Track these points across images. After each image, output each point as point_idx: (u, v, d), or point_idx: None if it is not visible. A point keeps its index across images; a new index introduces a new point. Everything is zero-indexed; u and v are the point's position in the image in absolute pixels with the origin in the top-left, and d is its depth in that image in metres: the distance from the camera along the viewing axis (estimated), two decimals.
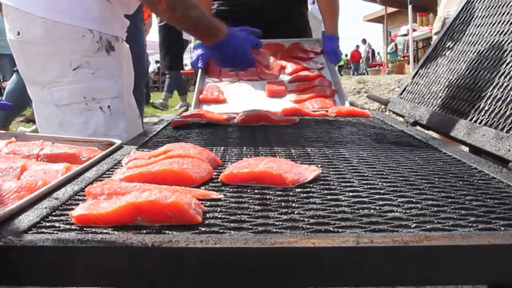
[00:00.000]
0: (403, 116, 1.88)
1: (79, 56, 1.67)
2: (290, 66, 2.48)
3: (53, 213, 0.75)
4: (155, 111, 8.65)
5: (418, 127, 1.68)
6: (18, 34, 1.64)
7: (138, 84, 1.92)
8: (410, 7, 10.87)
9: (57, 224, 0.70)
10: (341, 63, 22.23)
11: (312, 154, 1.16)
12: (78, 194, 0.86)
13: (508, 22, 1.53)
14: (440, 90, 1.74)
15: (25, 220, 0.71)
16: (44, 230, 0.68)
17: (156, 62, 20.64)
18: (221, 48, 1.88)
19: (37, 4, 1.63)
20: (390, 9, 22.79)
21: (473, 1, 1.93)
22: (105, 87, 1.74)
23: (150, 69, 19.01)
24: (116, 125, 1.75)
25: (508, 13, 1.57)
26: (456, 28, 1.96)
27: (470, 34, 1.79)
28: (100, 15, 1.72)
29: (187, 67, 16.71)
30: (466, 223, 0.69)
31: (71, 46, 1.66)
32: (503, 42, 1.49)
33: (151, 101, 9.81)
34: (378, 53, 28.07)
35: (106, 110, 1.72)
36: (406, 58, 14.01)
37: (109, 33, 1.75)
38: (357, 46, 26.57)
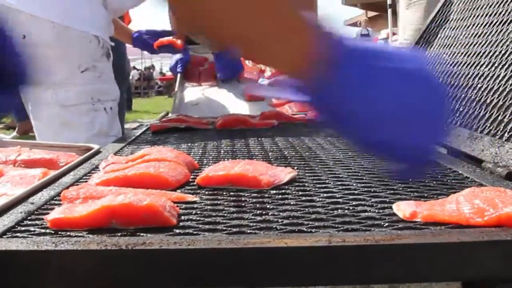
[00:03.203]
0: None
1: (87, 59, 1.77)
2: (268, 70, 2.49)
3: (29, 218, 0.75)
4: (137, 117, 8.64)
5: None
6: (24, 37, 1.66)
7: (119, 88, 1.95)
8: (389, 11, 10.92)
9: (32, 228, 0.70)
10: None
11: (288, 157, 1.17)
12: (54, 198, 0.86)
13: (482, 24, 1.55)
14: None
15: None
16: (18, 234, 0.68)
17: (134, 68, 20.63)
18: (227, 56, 2.19)
19: (47, 9, 1.69)
20: (371, 13, 22.92)
21: (448, 4, 1.95)
22: (108, 89, 1.86)
23: (132, 75, 19.02)
24: (114, 126, 1.87)
25: (482, 15, 1.59)
26: (432, 31, 1.98)
27: (446, 37, 1.81)
28: (102, 23, 1.83)
29: (168, 73, 16.76)
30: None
31: (80, 50, 1.75)
32: (477, 45, 1.51)
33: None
34: None
35: (109, 111, 1.84)
36: None
37: (107, 41, 1.85)
38: None
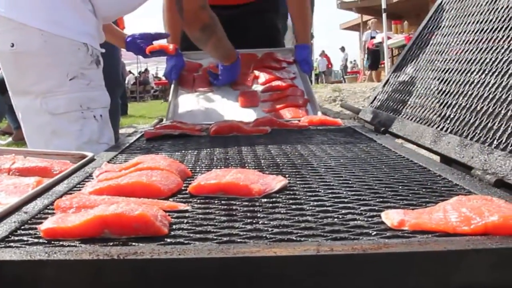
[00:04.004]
0: (373, 125, 1.91)
1: (76, 67, 1.76)
2: (263, 76, 2.51)
3: (22, 227, 0.76)
4: (132, 122, 8.64)
5: (388, 135, 1.71)
6: (12, 45, 1.67)
7: (113, 94, 1.96)
8: (384, 15, 10.98)
9: (25, 238, 0.71)
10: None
11: (280, 164, 1.18)
12: (48, 207, 0.87)
13: (473, 31, 1.57)
14: (409, 98, 1.77)
15: None
16: (12, 244, 0.69)
17: (130, 72, 20.63)
18: (233, 68, 2.42)
19: (35, 16, 1.69)
20: (366, 17, 22.97)
21: (440, 11, 1.97)
22: (98, 97, 1.85)
23: (128, 79, 19.03)
24: (104, 133, 1.86)
25: (473, 22, 1.61)
26: (424, 37, 2.00)
27: (438, 43, 1.83)
28: (91, 30, 1.82)
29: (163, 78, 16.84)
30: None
31: (68, 58, 1.74)
32: (468, 51, 1.53)
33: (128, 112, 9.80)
34: (354, 60, 28.26)
35: (99, 119, 1.83)
36: (382, 65, 14.16)
37: (96, 48, 1.85)
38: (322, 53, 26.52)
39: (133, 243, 0.68)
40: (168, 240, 0.69)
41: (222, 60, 2.42)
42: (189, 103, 2.38)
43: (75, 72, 1.75)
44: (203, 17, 2.07)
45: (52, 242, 0.69)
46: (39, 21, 1.68)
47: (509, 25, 1.36)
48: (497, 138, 1.10)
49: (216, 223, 0.76)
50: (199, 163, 1.24)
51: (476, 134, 1.20)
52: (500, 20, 1.43)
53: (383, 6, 10.87)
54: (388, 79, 2.11)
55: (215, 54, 2.41)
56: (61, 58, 1.73)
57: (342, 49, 27.05)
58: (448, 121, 1.38)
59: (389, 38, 12.21)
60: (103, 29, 1.94)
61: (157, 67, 26.88)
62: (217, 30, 2.15)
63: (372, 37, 14.86)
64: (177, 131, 1.71)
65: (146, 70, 25.76)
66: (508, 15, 1.39)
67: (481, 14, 1.58)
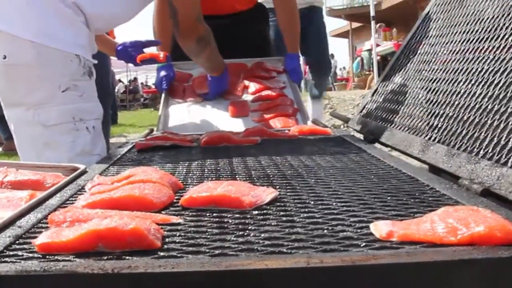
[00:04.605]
0: (363, 134, 1.93)
1: (68, 79, 1.75)
2: (253, 86, 2.52)
3: (17, 242, 0.77)
4: (122, 131, 8.63)
5: (377, 145, 1.73)
6: (5, 57, 1.68)
7: (103, 104, 1.96)
8: (373, 22, 11.06)
9: (20, 253, 0.72)
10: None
11: (271, 176, 1.20)
12: (42, 221, 0.88)
13: (460, 41, 1.59)
14: (398, 108, 1.79)
15: None
16: (7, 259, 0.70)
17: (120, 81, 20.62)
18: (222, 78, 2.46)
19: (27, 28, 1.69)
20: (355, 24, 23.10)
21: (427, 20, 2.00)
22: (90, 108, 1.84)
23: (118, 88, 19.02)
24: (97, 144, 1.85)
25: (460, 32, 1.63)
26: (412, 47, 2.02)
27: (425, 53, 1.85)
28: (84, 42, 1.81)
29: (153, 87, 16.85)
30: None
31: (61, 70, 1.73)
32: (455, 61, 1.55)
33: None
34: (343, 67, 28.37)
35: (91, 130, 1.82)
36: (371, 72, 14.23)
37: (89, 59, 1.84)
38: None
39: (127, 257, 0.69)
40: (161, 253, 0.70)
41: (212, 71, 2.43)
42: (180, 113, 2.39)
43: (68, 84, 1.74)
44: (199, 29, 2.07)
45: (47, 256, 0.70)
46: (31, 33, 1.68)
47: (494, 35, 1.38)
48: (483, 148, 1.12)
49: (208, 236, 0.77)
50: (190, 174, 1.25)
51: (463, 144, 1.22)
52: (486, 30, 1.45)
53: (372, 13, 10.96)
54: (377, 88, 2.14)
55: (207, 65, 2.40)
56: (54, 69, 1.72)
57: (332, 56, 27.15)
58: (436, 131, 1.40)
59: (377, 45, 12.28)
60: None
61: (147, 75, 26.85)
62: (211, 41, 2.15)
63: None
64: (168, 142, 1.72)
65: (135, 79, 25.71)
66: (494, 25, 1.42)
67: (467, 24, 1.60)
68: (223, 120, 2.28)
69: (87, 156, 1.75)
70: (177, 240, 0.76)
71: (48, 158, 1.65)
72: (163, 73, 2.55)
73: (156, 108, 11.10)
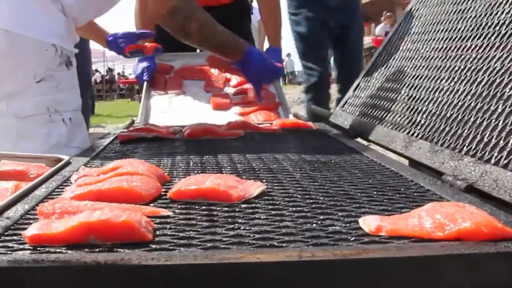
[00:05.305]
0: (344, 129, 1.94)
1: (43, 69, 1.70)
2: (234, 79, 2.53)
3: (6, 233, 0.77)
4: (100, 121, 8.58)
5: (359, 140, 1.74)
6: None
7: (83, 96, 1.93)
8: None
9: (10, 244, 0.72)
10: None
11: (257, 169, 1.20)
12: (29, 213, 0.87)
13: (442, 39, 1.61)
14: (380, 103, 1.81)
15: None
16: None
17: (96, 70, 20.45)
18: (245, 63, 2.11)
19: (0, 17, 1.64)
20: None
21: (410, 18, 2.01)
22: (67, 99, 1.79)
23: (95, 78, 18.86)
24: (75, 136, 1.81)
25: (442, 30, 1.65)
26: (394, 43, 2.04)
27: (407, 50, 1.87)
28: (61, 31, 1.76)
29: (131, 76, 16.75)
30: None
31: (35, 60, 1.69)
32: (438, 59, 1.57)
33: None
34: None
35: (68, 122, 1.77)
36: None
37: (67, 49, 1.79)
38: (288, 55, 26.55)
39: (119, 249, 0.69)
40: (153, 246, 0.70)
41: (226, 55, 2.16)
42: (161, 105, 2.39)
43: (43, 74, 1.70)
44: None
45: (38, 248, 0.70)
46: (4, 22, 1.63)
47: (477, 34, 1.40)
48: (466, 144, 1.14)
49: (199, 229, 0.77)
50: (176, 167, 1.26)
51: (446, 141, 1.23)
52: (468, 29, 1.47)
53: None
54: (358, 83, 2.15)
55: (218, 50, 2.14)
56: (28, 59, 1.68)
57: (288, 55, 27.11)
58: (418, 127, 1.41)
59: None
60: (83, 26, 1.91)
61: (124, 65, 26.66)
62: (196, 15, 1.93)
63: (387, 32, 13.38)
64: (151, 134, 1.72)
65: (111, 69, 25.52)
66: (477, 24, 1.43)
67: (450, 22, 1.62)
68: (205, 113, 2.28)
69: (63, 148, 1.69)
70: (168, 233, 0.76)
71: (23, 149, 1.59)
72: (144, 64, 2.53)
73: (133, 99, 11.06)
